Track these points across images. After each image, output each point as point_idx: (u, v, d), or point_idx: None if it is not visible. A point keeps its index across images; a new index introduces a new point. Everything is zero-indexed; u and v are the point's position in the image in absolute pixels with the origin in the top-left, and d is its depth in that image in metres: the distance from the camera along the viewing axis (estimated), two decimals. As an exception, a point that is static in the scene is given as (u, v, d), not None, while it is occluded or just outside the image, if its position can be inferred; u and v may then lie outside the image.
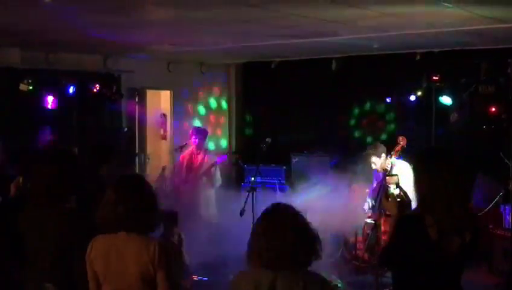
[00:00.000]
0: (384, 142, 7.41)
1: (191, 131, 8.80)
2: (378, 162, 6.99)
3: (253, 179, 7.09)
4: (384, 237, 5.50)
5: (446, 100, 8.48)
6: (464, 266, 3.17)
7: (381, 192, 6.22)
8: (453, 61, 8.44)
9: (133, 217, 3.11)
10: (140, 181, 3.29)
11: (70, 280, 3.53)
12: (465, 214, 3.04)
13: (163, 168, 9.32)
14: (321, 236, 2.85)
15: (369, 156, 7.08)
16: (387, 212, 4.68)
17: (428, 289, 3.10)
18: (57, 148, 7.01)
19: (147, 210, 3.17)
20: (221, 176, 8.68)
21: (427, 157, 3.22)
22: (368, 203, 7.22)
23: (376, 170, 7.12)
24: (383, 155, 6.95)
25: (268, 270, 2.78)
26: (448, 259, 3.04)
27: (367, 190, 7.54)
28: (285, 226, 2.78)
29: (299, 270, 2.79)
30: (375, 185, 7.24)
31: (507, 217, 7.34)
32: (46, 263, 3.61)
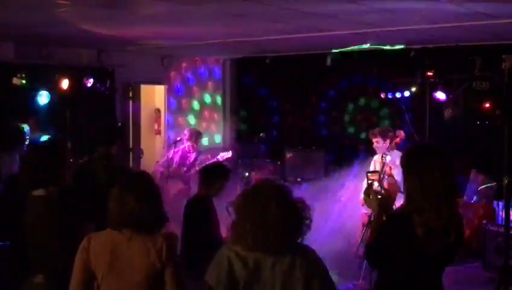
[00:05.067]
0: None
1: (186, 133, 8.67)
2: (381, 144, 7.03)
3: (247, 174, 7.08)
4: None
5: (440, 96, 8.49)
6: (446, 265, 3.16)
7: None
8: (447, 57, 8.44)
9: (139, 214, 3.03)
10: (145, 178, 3.22)
11: (58, 270, 3.47)
12: (453, 214, 3.02)
13: (157, 163, 9.28)
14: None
15: (375, 135, 7.13)
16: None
17: (411, 286, 3.09)
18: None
19: (152, 207, 3.10)
20: None
21: (416, 155, 3.16)
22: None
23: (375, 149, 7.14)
24: (387, 141, 7.00)
25: (256, 251, 2.76)
26: (432, 259, 3.04)
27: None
28: (269, 207, 2.72)
29: (287, 248, 2.76)
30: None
31: (500, 213, 7.35)
32: (34, 254, 3.60)
